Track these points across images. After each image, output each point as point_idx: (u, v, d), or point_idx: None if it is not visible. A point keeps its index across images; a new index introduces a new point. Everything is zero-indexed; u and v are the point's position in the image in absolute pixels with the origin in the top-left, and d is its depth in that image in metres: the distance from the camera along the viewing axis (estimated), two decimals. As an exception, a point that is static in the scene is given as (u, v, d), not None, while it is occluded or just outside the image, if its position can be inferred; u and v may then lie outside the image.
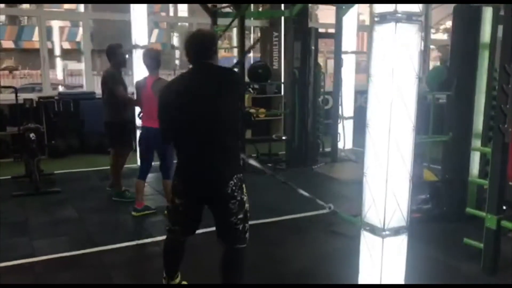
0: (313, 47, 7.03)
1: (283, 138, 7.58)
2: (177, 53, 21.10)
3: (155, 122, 4.21)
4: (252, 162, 3.24)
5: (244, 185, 2.71)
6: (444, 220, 4.51)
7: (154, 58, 4.54)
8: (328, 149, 7.61)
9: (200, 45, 2.70)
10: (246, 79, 7.04)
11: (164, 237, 4.10)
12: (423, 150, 4.83)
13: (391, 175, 2.62)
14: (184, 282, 3.11)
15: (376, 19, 2.55)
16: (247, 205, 2.74)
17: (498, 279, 3.39)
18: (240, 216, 2.69)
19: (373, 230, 2.69)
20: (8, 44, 25.67)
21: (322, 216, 4.81)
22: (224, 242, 2.76)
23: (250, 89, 9.13)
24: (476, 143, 4.48)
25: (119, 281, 3.36)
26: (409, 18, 2.47)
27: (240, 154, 2.81)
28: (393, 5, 2.44)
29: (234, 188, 2.64)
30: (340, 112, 7.60)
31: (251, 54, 11.15)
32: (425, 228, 4.33)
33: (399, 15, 2.44)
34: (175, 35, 21.46)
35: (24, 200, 5.30)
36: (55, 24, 21.13)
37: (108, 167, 5.61)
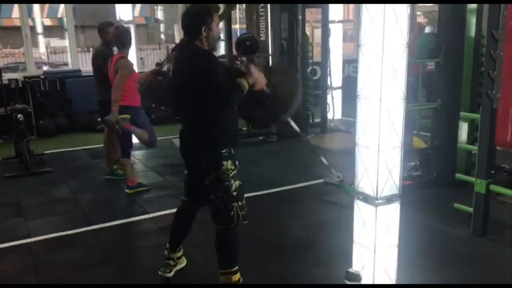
0: (300, 17, 6.96)
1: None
2: (162, 26, 20.75)
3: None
4: (292, 124, 3.18)
5: (224, 163, 2.66)
6: (434, 186, 4.59)
7: (118, 36, 4.56)
8: (318, 120, 7.64)
9: (188, 23, 2.68)
10: (234, 52, 6.98)
11: (159, 213, 4.20)
12: (413, 118, 4.88)
13: (382, 144, 2.64)
14: (183, 258, 3.14)
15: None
16: (229, 183, 2.68)
17: (487, 241, 3.48)
18: (219, 194, 2.68)
19: (366, 199, 2.74)
20: (-15, 21, 25.11)
21: (316, 187, 4.88)
22: (212, 221, 2.76)
23: (238, 62, 9.04)
24: (465, 109, 4.52)
25: (116, 259, 3.39)
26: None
27: (219, 135, 2.69)
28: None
29: (206, 164, 2.68)
30: (328, 82, 7.60)
31: (237, 26, 11.03)
32: (416, 195, 4.41)
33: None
34: (159, 8, 21.06)
35: (16, 181, 5.29)
36: (35, 0, 20.61)
37: (100, 145, 5.59)
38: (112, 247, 3.59)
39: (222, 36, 7.13)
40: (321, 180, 4.94)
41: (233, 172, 2.69)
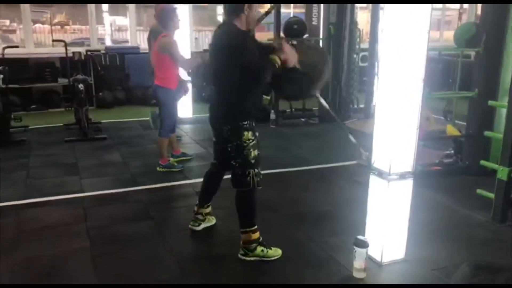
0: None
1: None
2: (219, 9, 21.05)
3: (156, 79, 4.48)
4: (321, 100, 3.48)
5: (245, 133, 2.90)
6: (465, 174, 4.67)
7: (158, 17, 4.66)
8: (362, 106, 7.75)
9: (227, 5, 2.94)
10: (282, 35, 7.19)
11: (197, 180, 4.55)
12: (451, 106, 4.93)
13: (398, 124, 2.83)
14: (212, 217, 3.49)
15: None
16: (248, 151, 2.93)
17: (505, 227, 3.57)
18: (239, 160, 2.95)
19: (380, 174, 2.94)
20: (60, -1, 26.53)
21: (348, 167, 5.07)
22: (232, 185, 3.05)
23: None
24: (504, 99, 4.53)
25: (154, 215, 3.77)
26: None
27: (244, 107, 2.93)
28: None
29: (229, 133, 2.94)
30: (376, 69, 7.65)
31: (290, 10, 11.16)
32: (444, 180, 4.55)
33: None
34: (219, -10, 21.37)
35: (74, 145, 5.83)
36: (103, -21, 21.55)
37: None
38: (152, 205, 3.98)
39: (272, 19, 7.35)
40: (354, 162, 5.11)
41: (253, 142, 2.95)
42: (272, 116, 7.07)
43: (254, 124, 2.98)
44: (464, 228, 3.59)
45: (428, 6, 2.73)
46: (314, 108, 7.70)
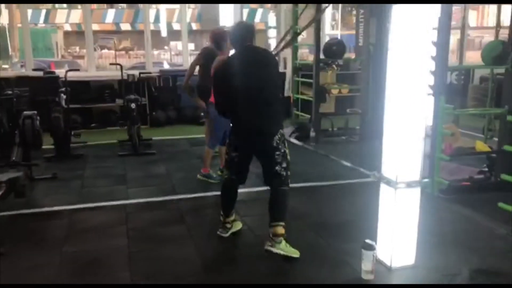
0: (388, 23, 7.22)
1: (359, 112, 7.92)
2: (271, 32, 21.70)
3: (212, 97, 4.81)
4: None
5: (285, 140, 3.42)
6: (495, 190, 4.67)
7: (212, 39, 5.09)
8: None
9: (246, 32, 3.43)
10: (322, 56, 7.47)
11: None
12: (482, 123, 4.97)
13: (405, 134, 3.03)
14: (238, 222, 3.81)
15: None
16: (288, 156, 3.41)
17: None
18: (284, 165, 3.38)
19: (388, 182, 3.13)
20: (126, 26, 28.38)
21: (374, 183, 5.22)
22: (271, 186, 3.43)
23: (334, 66, 9.47)
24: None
25: (188, 220, 4.15)
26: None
27: (281, 114, 3.48)
28: None
29: (278, 141, 3.34)
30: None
31: (338, 31, 11.42)
32: (473, 196, 4.61)
33: None
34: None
35: (125, 159, 6.37)
36: (163, 8, 22.96)
37: (199, 135, 6.32)
38: (187, 212, 4.36)
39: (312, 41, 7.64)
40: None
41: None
42: (312, 133, 7.31)
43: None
44: (482, 240, 3.67)
45: (430, 10, 2.95)
46: (356, 127, 7.87)
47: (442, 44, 4.43)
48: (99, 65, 17.04)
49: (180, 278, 3.14)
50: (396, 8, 2.96)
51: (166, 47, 24.43)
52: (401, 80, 3.00)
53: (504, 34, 5.27)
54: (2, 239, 3.63)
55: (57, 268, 3.27)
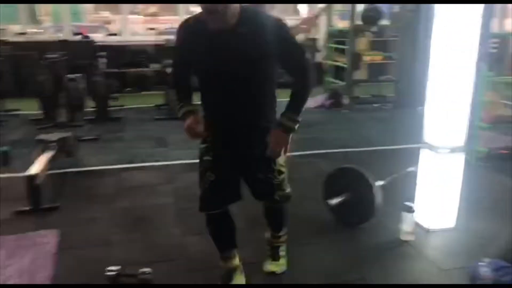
0: (427, -10, 7.09)
1: (393, 79, 7.89)
2: None
3: None
4: None
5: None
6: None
7: None
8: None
9: None
10: (360, 22, 7.41)
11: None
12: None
13: (450, 100, 3.07)
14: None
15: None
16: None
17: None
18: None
19: (430, 147, 3.20)
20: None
21: (411, 150, 5.26)
22: (266, 201, 2.80)
23: (369, 32, 9.35)
24: None
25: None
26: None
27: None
28: None
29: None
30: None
31: None
32: (510, 164, 4.62)
33: None
34: None
35: (163, 123, 6.53)
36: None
37: None
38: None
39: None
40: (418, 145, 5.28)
41: None
42: (345, 100, 7.34)
43: None
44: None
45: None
46: (389, 95, 7.86)
47: (485, 9, 4.36)
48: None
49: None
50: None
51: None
52: (447, 46, 3.02)
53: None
54: (57, 195, 3.87)
55: (111, 222, 3.48)
